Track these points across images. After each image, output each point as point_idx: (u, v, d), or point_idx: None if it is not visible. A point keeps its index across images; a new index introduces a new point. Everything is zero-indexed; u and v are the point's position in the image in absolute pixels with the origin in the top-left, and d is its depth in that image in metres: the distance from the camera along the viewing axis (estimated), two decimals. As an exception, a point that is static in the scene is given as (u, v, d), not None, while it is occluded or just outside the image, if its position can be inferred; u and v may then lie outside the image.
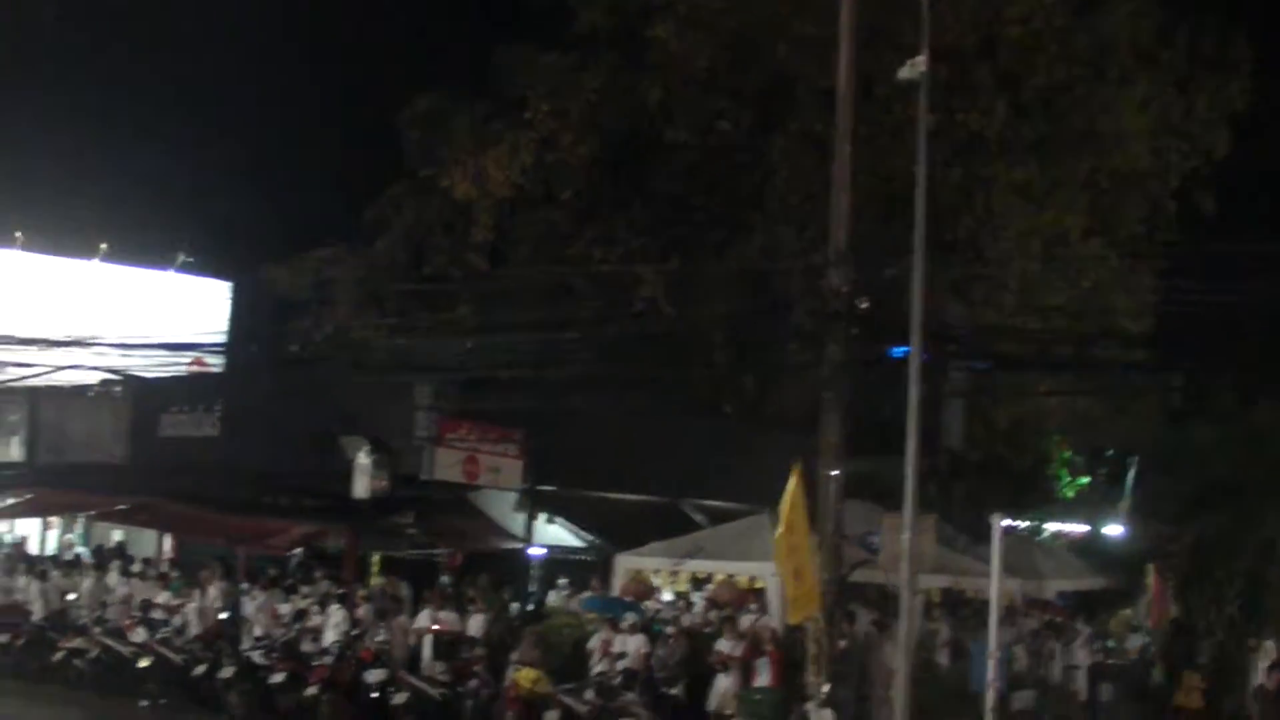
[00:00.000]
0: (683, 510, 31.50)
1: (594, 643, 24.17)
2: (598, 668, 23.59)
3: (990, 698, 21.05)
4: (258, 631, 27.05)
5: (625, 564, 27.85)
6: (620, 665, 23.19)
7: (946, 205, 31.25)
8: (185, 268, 43.06)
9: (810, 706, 20.37)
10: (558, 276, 33.04)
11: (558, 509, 30.73)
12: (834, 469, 20.81)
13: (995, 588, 21.40)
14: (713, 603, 26.16)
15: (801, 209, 33.45)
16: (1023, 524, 34.68)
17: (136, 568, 30.80)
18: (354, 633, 25.74)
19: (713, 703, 22.88)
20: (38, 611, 30.17)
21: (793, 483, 20.01)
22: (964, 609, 27.75)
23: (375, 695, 24.75)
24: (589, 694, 22.87)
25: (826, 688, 20.45)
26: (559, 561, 31.05)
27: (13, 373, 35.31)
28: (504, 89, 36.95)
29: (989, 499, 29.24)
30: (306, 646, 26.01)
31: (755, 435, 32.74)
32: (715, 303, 31.86)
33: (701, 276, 34.09)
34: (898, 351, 20.46)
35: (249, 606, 27.87)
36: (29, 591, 31.45)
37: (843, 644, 21.77)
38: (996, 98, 34.30)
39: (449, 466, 28.35)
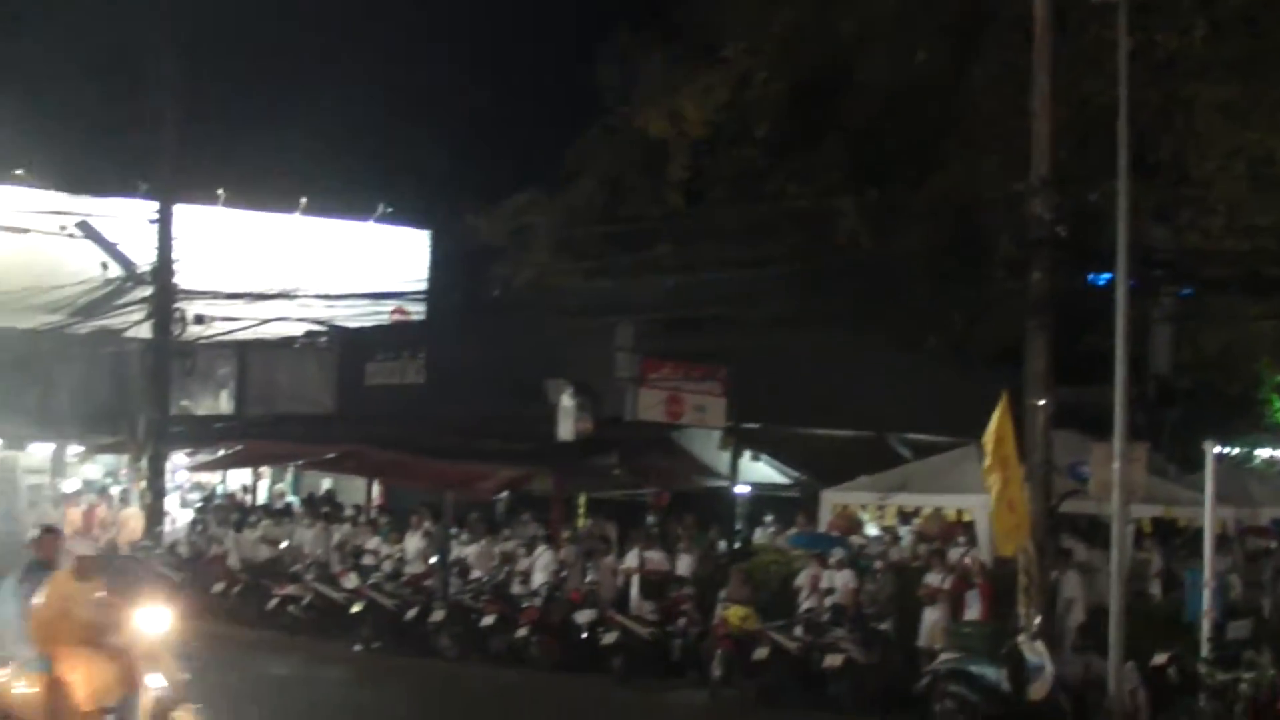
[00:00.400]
0: (888, 444, 31.14)
1: (802, 579, 24.02)
2: (806, 604, 23.46)
3: (1205, 628, 20.60)
4: (470, 575, 27.33)
5: (831, 499, 27.63)
6: (828, 601, 23.02)
7: (1147, 128, 30.52)
8: (385, 218, 43.54)
9: (1022, 639, 20.09)
10: (756, 213, 32.84)
11: (762, 446, 30.54)
12: (1041, 399, 20.45)
13: (1209, 515, 20.92)
14: (921, 536, 25.85)
15: (1000, 138, 32.87)
16: (1234, 451, 33.86)
17: (347, 514, 31.24)
18: (562, 574, 25.93)
19: (922, 637, 22.60)
20: (233, 561, 30.82)
21: (1000, 413, 19.74)
22: (1176, 538, 27.19)
23: (584, 635, 24.91)
24: (798, 630, 22.78)
25: (1038, 620, 20.18)
26: (764, 499, 30.93)
27: (221, 327, 36.00)
28: (697, 27, 36.76)
29: (1199, 426, 28.53)
30: (515, 589, 26.26)
31: (960, 367, 32.33)
32: (915, 234, 31.49)
33: (901, 208, 33.69)
34: (1102, 278, 20.06)
35: (458, 551, 28.16)
36: (228, 541, 32.22)
37: (1054, 575, 21.44)
38: (1195, 16, 33.37)
39: (652, 406, 28.30)
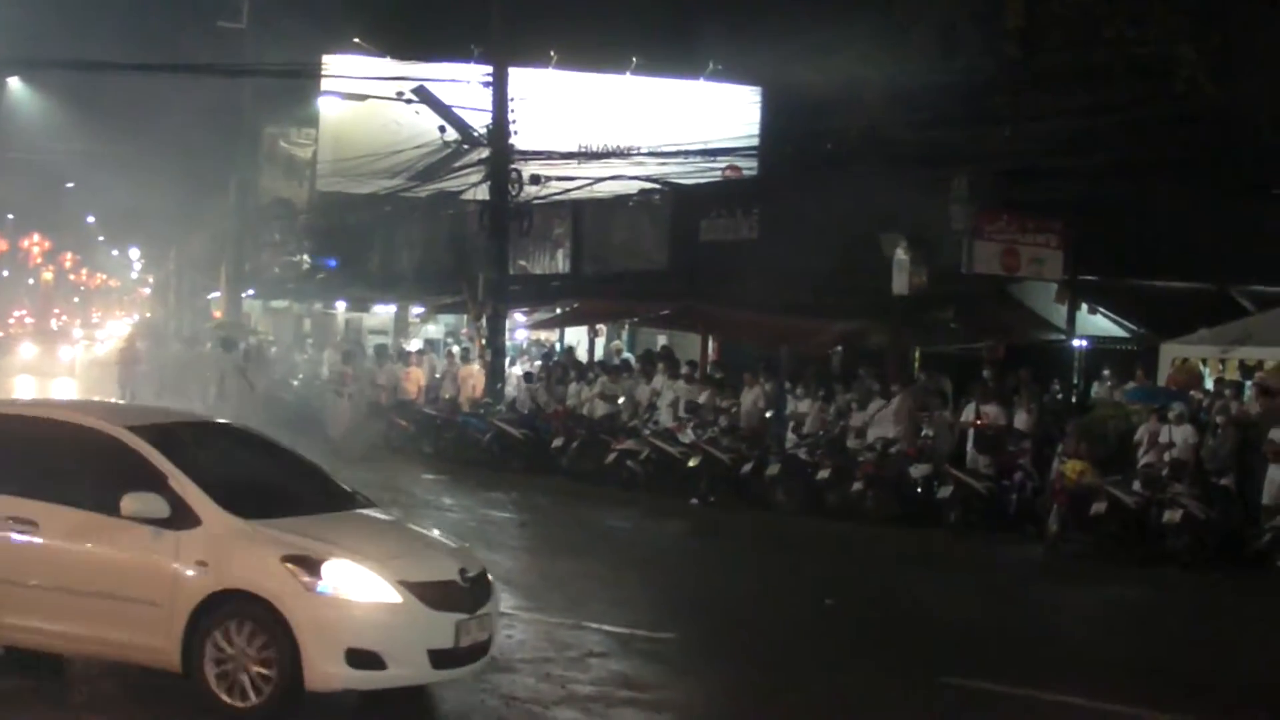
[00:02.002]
0: (1230, 295, 30.30)
1: (1140, 434, 23.63)
2: (1145, 459, 23.10)
3: None
4: (805, 430, 27.49)
5: (1171, 353, 26.98)
6: (1168, 456, 22.67)
7: None
8: (714, 76, 43.56)
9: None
10: (1092, 61, 31.93)
11: (1099, 299, 29.99)
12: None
13: None
14: (1264, 390, 25.14)
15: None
16: None
17: (683, 370, 31.61)
18: (898, 429, 25.91)
19: (1266, 495, 21.97)
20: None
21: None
22: None
23: (919, 490, 24.95)
24: (1136, 485, 22.48)
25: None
26: (1102, 352, 30.39)
27: (556, 187, 36.60)
28: None
29: None
30: (850, 443, 26.35)
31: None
32: (1260, 80, 30.31)
33: (1245, 52, 32.42)
34: None
35: (792, 405, 28.32)
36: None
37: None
38: None
39: (988, 259, 27.93)
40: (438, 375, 36.86)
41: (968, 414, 25.62)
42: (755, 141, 39.26)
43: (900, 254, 27.25)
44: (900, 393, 26.42)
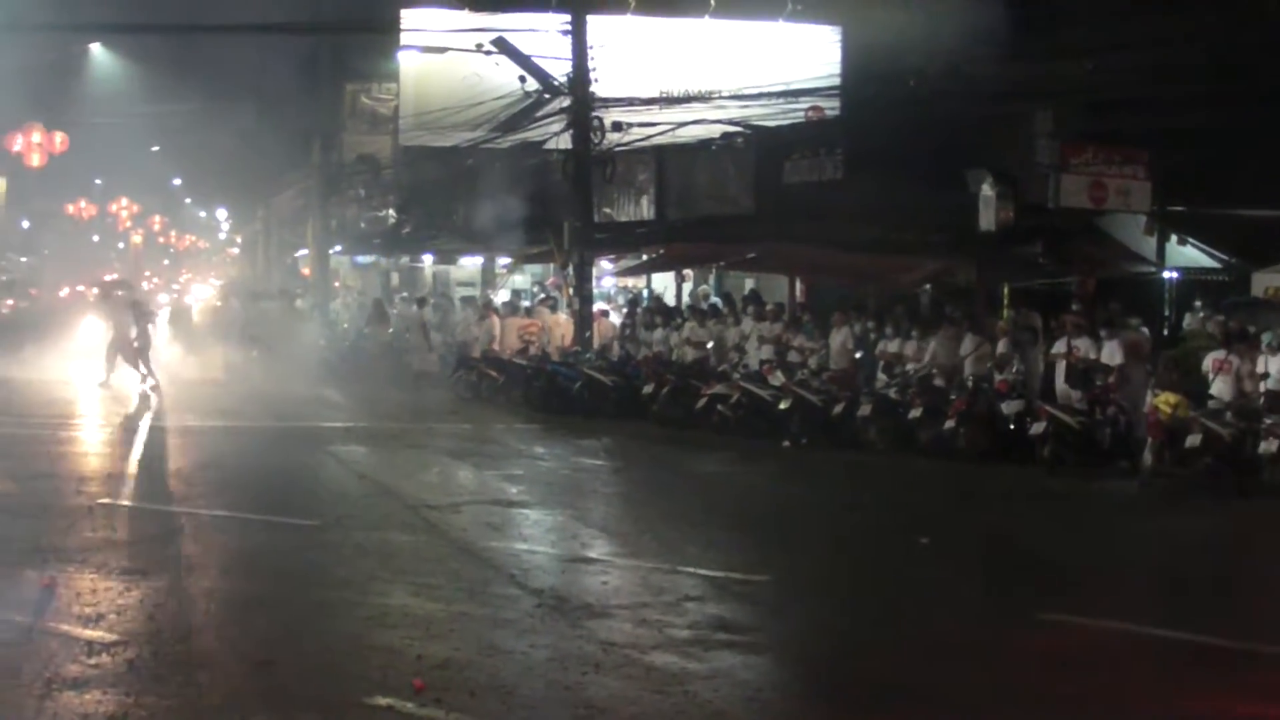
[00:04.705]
0: (1323, 222, 29.97)
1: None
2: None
3: None
4: (895, 369, 27.42)
5: (1263, 282, 26.71)
6: (1263, 387, 22.49)
7: None
8: (793, 16, 43.29)
9: None
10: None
11: (1189, 229, 29.67)
12: None
13: None
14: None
15: None
16: None
17: (770, 312, 31.55)
18: (989, 365, 25.83)
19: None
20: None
21: None
22: None
23: (1012, 426, 24.85)
24: (1229, 416, 22.34)
25: None
26: (1193, 283, 30.16)
27: (638, 133, 36.55)
28: None
29: None
30: (941, 381, 26.29)
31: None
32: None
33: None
34: None
35: (882, 345, 28.26)
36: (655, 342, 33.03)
37: None
38: None
39: (1074, 192, 27.71)
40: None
41: (1058, 348, 25.48)
42: (836, 81, 38.93)
43: (986, 190, 27.12)
44: (994, 328, 26.34)
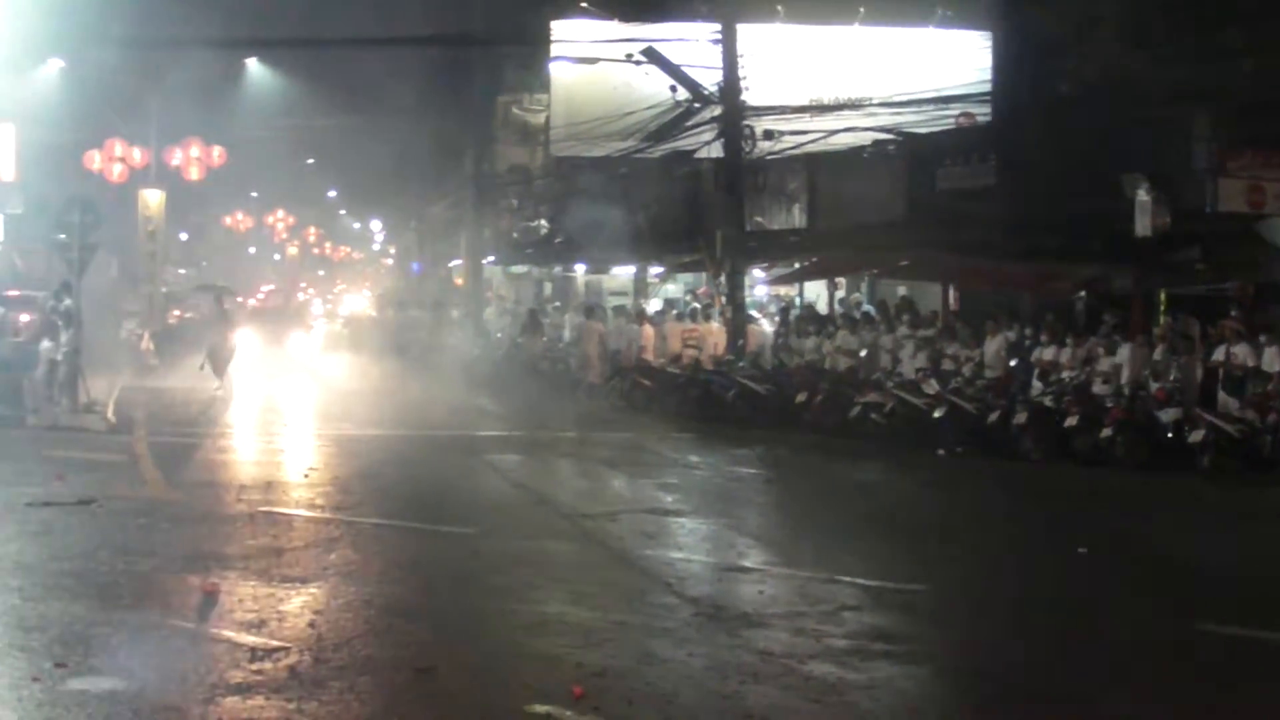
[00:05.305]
0: None
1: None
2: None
3: None
4: (1050, 377, 27.20)
5: None
6: None
7: None
8: (943, 22, 43.09)
9: None
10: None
11: (1352, 233, 29.24)
12: None
13: None
14: None
15: None
16: None
17: (924, 320, 31.43)
18: (1146, 373, 25.55)
19: None
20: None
21: None
22: None
23: (1170, 434, 24.57)
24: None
25: None
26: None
27: (789, 142, 36.58)
28: None
29: None
30: (1098, 389, 26.05)
31: None
32: None
33: None
34: None
35: (1037, 352, 28.04)
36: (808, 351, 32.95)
37: None
38: None
39: (1233, 197, 27.41)
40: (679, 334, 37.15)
41: (1217, 355, 25.16)
42: (987, 87, 38.74)
43: (1142, 195, 26.86)
44: (1152, 336, 26.08)
